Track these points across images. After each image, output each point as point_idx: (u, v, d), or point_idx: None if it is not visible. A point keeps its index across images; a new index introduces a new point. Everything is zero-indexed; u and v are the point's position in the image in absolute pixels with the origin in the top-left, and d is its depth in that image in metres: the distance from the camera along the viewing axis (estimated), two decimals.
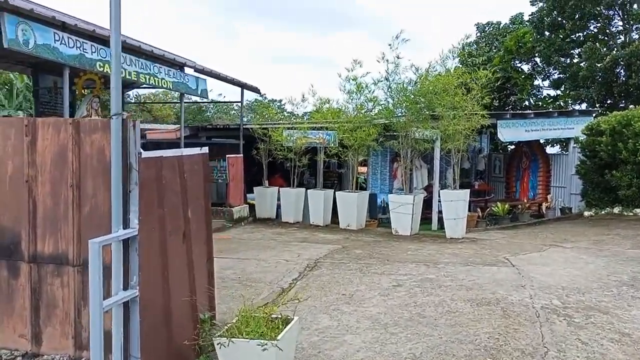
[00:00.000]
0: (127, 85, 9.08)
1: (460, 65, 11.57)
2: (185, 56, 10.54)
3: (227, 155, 11.02)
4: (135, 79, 7.42)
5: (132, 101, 35.38)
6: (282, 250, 7.74)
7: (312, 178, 15.98)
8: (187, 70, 10.57)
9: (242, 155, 11.63)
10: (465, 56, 18.34)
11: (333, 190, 10.88)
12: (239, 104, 11.98)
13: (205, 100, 11.43)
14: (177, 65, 8.83)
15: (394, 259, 7.04)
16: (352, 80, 9.45)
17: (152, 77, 7.82)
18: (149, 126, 18.04)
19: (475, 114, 8.94)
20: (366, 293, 5.32)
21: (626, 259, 6.87)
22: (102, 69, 6.70)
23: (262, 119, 13.09)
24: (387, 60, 9.14)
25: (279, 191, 11.17)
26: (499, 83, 13.62)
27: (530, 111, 15.37)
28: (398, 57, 9.09)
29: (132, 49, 7.54)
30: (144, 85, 10.38)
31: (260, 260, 6.95)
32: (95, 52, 6.57)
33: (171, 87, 8.41)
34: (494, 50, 23.25)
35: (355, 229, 9.92)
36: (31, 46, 5.52)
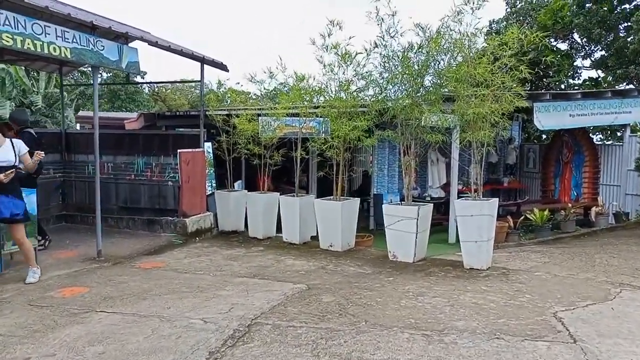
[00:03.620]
0: None
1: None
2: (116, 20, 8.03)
3: (179, 151, 8.49)
4: None
5: (146, 91, 33.44)
6: (214, 295, 5.18)
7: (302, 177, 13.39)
8: (137, 44, 8.07)
9: (203, 149, 9.08)
10: (492, 35, 15.44)
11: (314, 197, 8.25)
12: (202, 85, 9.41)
13: (139, 77, 8.88)
14: (88, 27, 6.29)
15: (377, 320, 4.41)
16: (333, 48, 6.73)
17: (28, 41, 5.31)
18: (114, 115, 15.73)
19: (509, 90, 6.17)
20: None
21: None
22: None
23: (220, 105, 10.50)
24: (381, 19, 6.40)
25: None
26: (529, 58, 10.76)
27: (576, 91, 12.37)
28: (394, 15, 6.35)
29: None
30: (10, 54, 7.67)
31: (163, 321, 4.41)
32: None
33: (69, 55, 5.88)
34: (526, 27, 20.17)
35: (339, 251, 7.29)
36: None
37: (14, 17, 5.16)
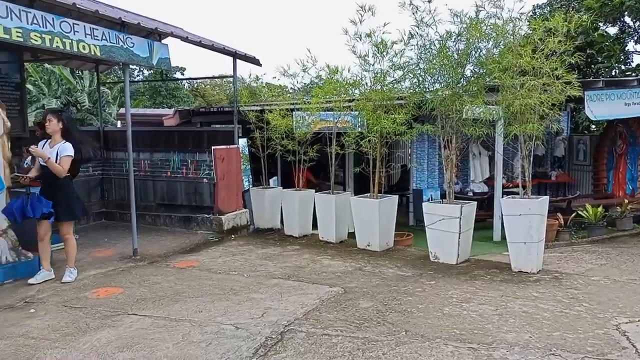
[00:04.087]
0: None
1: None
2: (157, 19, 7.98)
3: (213, 147, 8.39)
4: (21, 39, 4.90)
5: (186, 87, 33.90)
6: (247, 298, 5.01)
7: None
8: (168, 40, 8.01)
9: (237, 145, 8.96)
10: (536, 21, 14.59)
11: (351, 195, 7.98)
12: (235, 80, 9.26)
13: (171, 73, 8.82)
14: (114, 23, 6.22)
15: (418, 329, 4.12)
16: (367, 36, 6.40)
17: (57, 39, 5.26)
18: (153, 111, 15.89)
19: (558, 78, 5.68)
20: None
21: None
22: None
23: (257, 100, 10.32)
24: (416, 7, 6.01)
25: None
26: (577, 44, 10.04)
27: (631, 78, 11.53)
28: (430, 1, 5.95)
29: None
30: (44, 53, 7.67)
31: (194, 326, 4.27)
32: None
33: (99, 53, 5.82)
34: (572, 12, 19.05)
35: (377, 251, 7.00)
36: None
37: (42, 15, 5.12)
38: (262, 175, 8.80)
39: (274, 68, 12.92)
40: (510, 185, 10.73)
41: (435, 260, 6.42)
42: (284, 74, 7.71)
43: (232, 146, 8.80)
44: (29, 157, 5.55)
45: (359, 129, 7.41)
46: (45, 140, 5.63)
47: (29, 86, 22.78)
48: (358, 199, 7.31)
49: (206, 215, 8.48)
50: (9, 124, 5.81)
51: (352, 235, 7.53)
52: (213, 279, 5.74)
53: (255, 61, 9.04)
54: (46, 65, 20.08)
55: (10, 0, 4.98)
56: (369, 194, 7.35)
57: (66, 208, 5.51)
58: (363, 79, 6.91)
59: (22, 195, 5.50)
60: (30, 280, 5.54)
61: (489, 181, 11.14)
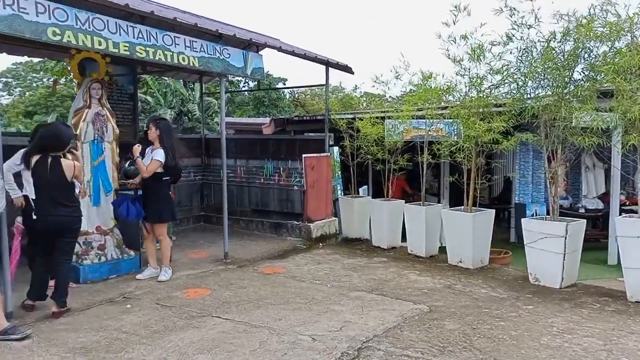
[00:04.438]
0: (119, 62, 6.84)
1: None
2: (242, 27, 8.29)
3: (303, 155, 8.48)
4: (128, 52, 5.29)
5: (287, 97, 35.19)
6: (327, 309, 4.91)
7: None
8: (266, 51, 8.31)
9: (327, 153, 8.97)
10: None
11: (442, 207, 7.58)
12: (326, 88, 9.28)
13: (281, 83, 9.05)
14: (212, 35, 6.52)
15: (509, 359, 3.72)
16: (462, 39, 6.03)
17: (159, 52, 5.62)
18: (253, 120, 16.53)
19: None
20: None
21: None
22: (57, 37, 4.67)
23: (346, 108, 10.22)
24: (514, 10, 5.53)
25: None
26: None
27: None
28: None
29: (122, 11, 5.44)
30: (153, 66, 8.18)
31: (272, 334, 4.26)
32: (44, 12, 4.56)
33: (197, 64, 6.13)
34: None
35: (470, 268, 6.55)
36: None
37: (146, 30, 5.50)
38: (351, 184, 8.70)
39: (368, 76, 12.81)
40: (630, 202, 9.55)
41: (535, 283, 5.84)
42: (376, 81, 7.56)
43: (322, 154, 8.83)
44: (127, 162, 5.99)
45: (455, 137, 7.02)
46: (151, 145, 6.04)
47: (148, 98, 25.04)
48: (450, 212, 6.91)
49: (296, 223, 8.58)
50: (117, 130, 6.32)
51: (443, 250, 7.15)
52: (296, 286, 5.73)
53: (347, 69, 9.00)
54: (164, 78, 21.76)
55: (122, 17, 5.42)
56: (462, 207, 6.92)
57: (156, 211, 5.85)
58: (458, 84, 6.54)
59: (122, 198, 5.94)
60: (138, 276, 5.95)
61: (605, 197, 10.02)
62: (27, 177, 4.77)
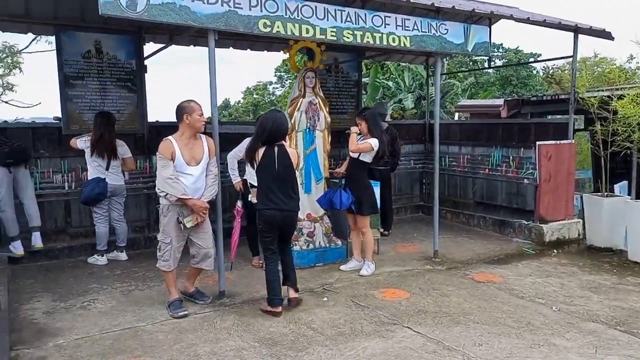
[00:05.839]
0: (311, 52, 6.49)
1: None
2: None
3: (538, 143, 7.13)
4: (335, 37, 5.09)
5: (540, 73, 31.85)
6: (545, 341, 3.87)
7: None
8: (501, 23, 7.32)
9: (571, 140, 7.37)
10: None
11: None
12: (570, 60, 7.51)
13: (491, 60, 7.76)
14: (428, 9, 5.86)
15: None
16: None
17: (367, 34, 5.27)
18: (491, 102, 15.04)
19: None
20: None
21: None
22: (268, 29, 4.74)
23: (598, 84, 8.04)
24: None
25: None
26: None
27: None
28: None
29: None
30: (369, 50, 7.54)
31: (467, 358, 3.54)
32: (256, 5, 4.67)
33: (409, 44, 5.57)
34: None
35: None
36: (141, 9, 4.14)
37: (355, 12, 5.22)
38: (601, 180, 6.94)
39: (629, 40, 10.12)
40: None
41: None
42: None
43: (563, 142, 7.29)
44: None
45: None
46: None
47: (389, 83, 25.57)
48: None
49: (524, 222, 7.34)
50: (329, 119, 6.31)
51: None
52: (511, 303, 4.77)
53: (605, 34, 7.15)
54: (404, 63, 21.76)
55: (331, 2, 5.26)
56: None
57: (356, 202, 5.59)
58: None
59: (332, 188, 5.89)
60: (341, 267, 5.91)
61: None
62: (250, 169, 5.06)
